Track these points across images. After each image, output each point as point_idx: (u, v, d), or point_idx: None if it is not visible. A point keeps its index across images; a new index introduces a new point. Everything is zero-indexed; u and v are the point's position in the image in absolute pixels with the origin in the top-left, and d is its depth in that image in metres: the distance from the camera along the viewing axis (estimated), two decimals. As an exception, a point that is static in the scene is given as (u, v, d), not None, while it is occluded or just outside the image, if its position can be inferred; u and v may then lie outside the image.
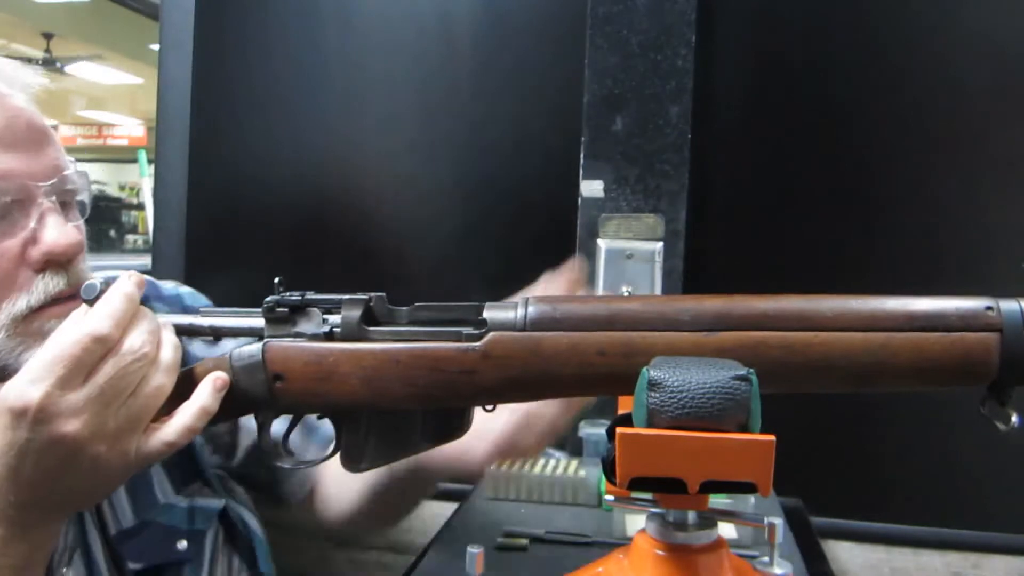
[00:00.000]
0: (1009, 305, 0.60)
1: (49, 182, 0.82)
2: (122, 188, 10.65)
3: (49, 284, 0.81)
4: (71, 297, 0.81)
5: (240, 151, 1.82)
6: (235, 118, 1.81)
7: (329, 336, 0.67)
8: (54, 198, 0.82)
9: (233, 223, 1.80)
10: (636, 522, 1.18)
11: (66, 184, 0.85)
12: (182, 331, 0.71)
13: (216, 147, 1.81)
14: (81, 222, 0.88)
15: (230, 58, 1.81)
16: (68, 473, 0.66)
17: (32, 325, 0.80)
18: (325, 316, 0.68)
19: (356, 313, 0.66)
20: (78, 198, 0.88)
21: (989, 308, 0.60)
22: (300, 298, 0.68)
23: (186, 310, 1.01)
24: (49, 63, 6.96)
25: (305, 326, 0.68)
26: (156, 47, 1.86)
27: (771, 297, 0.62)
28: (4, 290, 0.79)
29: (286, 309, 0.68)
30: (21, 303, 0.80)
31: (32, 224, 0.81)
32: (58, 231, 0.81)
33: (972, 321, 0.59)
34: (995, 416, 0.60)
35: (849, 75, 1.57)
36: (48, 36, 7.02)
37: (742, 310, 0.61)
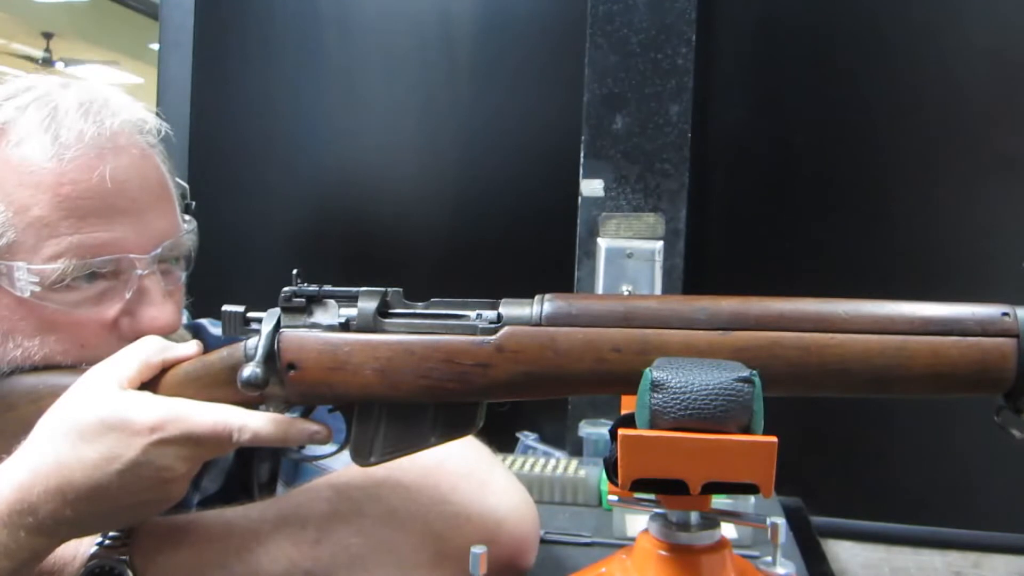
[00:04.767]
0: None
1: (150, 253, 0.78)
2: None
3: None
4: None
5: (240, 151, 1.81)
6: (235, 117, 1.81)
7: (345, 327, 0.67)
8: (155, 267, 0.79)
9: (232, 224, 1.80)
10: (636, 522, 1.18)
11: (170, 250, 0.81)
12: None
13: (216, 147, 1.81)
14: (182, 278, 0.85)
15: (230, 58, 1.81)
16: (143, 499, 0.67)
17: None
18: (341, 308, 0.68)
19: (372, 305, 0.67)
20: (183, 253, 0.85)
21: (1005, 314, 0.59)
22: (317, 289, 0.68)
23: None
24: (48, 63, 6.96)
25: (321, 317, 0.68)
26: (156, 47, 1.86)
27: (787, 298, 0.62)
28: (91, 354, 0.76)
29: (303, 299, 0.68)
30: None
31: (128, 295, 0.78)
32: (156, 309, 0.78)
33: (989, 326, 0.59)
34: (1011, 425, 0.60)
35: (849, 74, 1.58)
36: (48, 36, 7.01)
37: (758, 310, 0.61)
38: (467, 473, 0.83)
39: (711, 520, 0.61)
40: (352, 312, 0.67)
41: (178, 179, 0.86)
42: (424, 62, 1.72)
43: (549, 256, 1.62)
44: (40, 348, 0.77)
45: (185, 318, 0.89)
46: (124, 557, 0.72)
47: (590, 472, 1.37)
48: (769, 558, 0.65)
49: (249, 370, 0.65)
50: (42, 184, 0.75)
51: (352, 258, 1.75)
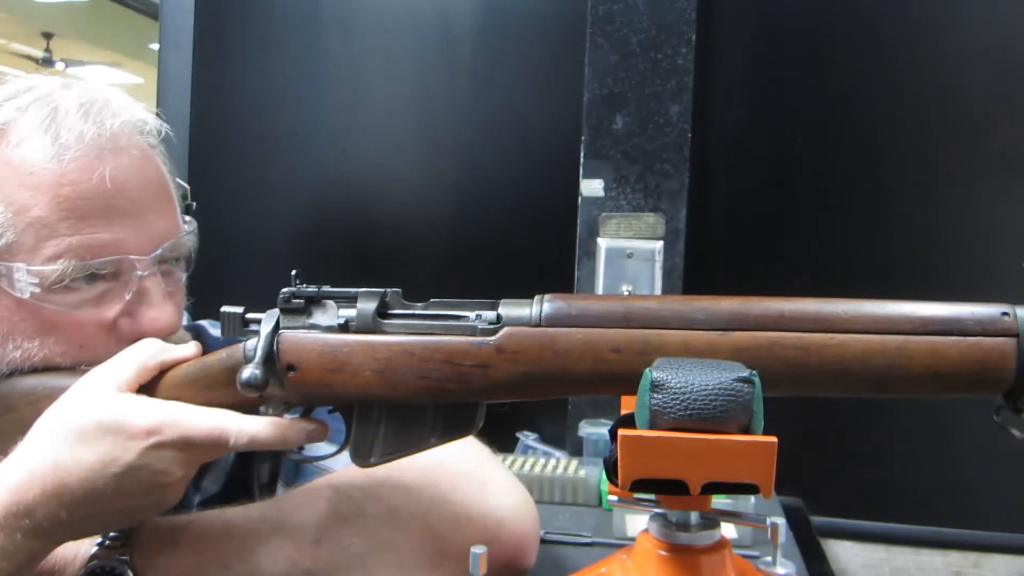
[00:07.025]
0: None
1: (151, 255, 0.78)
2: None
3: None
4: None
5: (240, 151, 1.81)
6: (235, 118, 1.81)
7: (344, 328, 0.67)
8: (156, 268, 0.79)
9: (232, 224, 1.80)
10: (637, 522, 1.18)
11: (171, 251, 0.81)
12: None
13: (216, 147, 1.81)
14: (182, 279, 0.85)
15: (230, 58, 1.81)
16: (140, 503, 0.67)
17: None
18: (340, 309, 0.68)
19: (371, 306, 0.67)
20: (183, 254, 0.84)
21: (1005, 314, 0.59)
22: (316, 290, 0.68)
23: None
24: (49, 63, 6.96)
25: (320, 318, 0.68)
26: (156, 47, 1.86)
27: (787, 298, 0.62)
28: (90, 355, 0.75)
29: (301, 300, 0.68)
30: None
31: (128, 296, 0.77)
32: (156, 310, 0.78)
33: (988, 326, 0.59)
34: (1010, 424, 0.60)
35: (850, 74, 1.58)
36: (48, 36, 7.01)
37: (757, 311, 0.61)
38: (467, 473, 0.83)
39: (711, 520, 0.61)
40: (351, 313, 0.67)
41: (179, 180, 0.86)
42: (424, 62, 1.72)
43: (549, 256, 1.62)
44: (40, 349, 0.76)
45: (185, 319, 0.89)
46: (124, 557, 0.72)
47: (590, 472, 1.37)
48: (769, 558, 0.65)
49: (248, 371, 0.66)
50: (42, 185, 0.74)
51: (352, 258, 1.75)
